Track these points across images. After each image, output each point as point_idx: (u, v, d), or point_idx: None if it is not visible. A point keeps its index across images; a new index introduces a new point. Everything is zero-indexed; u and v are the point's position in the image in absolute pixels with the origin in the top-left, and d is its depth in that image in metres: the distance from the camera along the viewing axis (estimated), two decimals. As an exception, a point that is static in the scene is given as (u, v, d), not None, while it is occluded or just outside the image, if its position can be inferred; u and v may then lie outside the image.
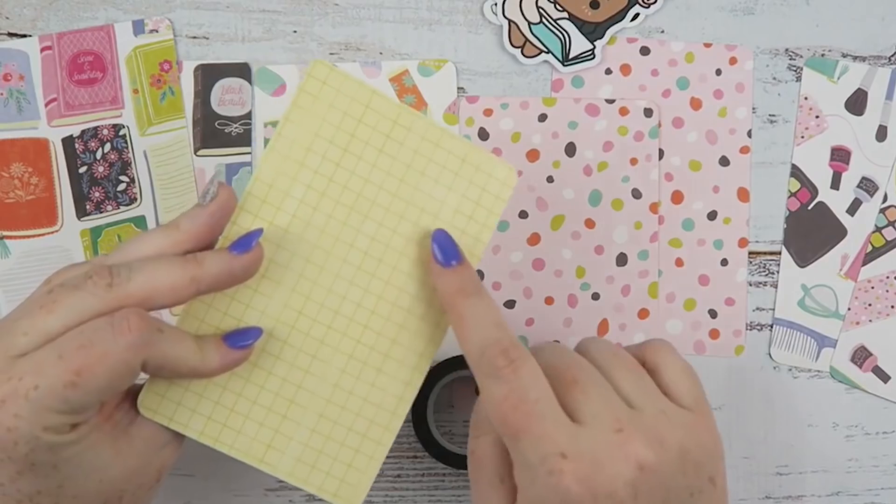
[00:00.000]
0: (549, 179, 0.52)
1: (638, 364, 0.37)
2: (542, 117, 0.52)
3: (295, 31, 0.52)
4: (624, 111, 0.52)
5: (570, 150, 0.52)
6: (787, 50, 0.53)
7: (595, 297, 0.52)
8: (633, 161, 0.52)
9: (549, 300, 0.52)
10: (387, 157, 0.39)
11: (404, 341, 0.39)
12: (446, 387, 0.51)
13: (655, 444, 0.33)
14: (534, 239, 0.52)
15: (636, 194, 0.52)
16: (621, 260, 0.52)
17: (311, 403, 0.39)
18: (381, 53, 0.52)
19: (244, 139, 0.51)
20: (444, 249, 0.37)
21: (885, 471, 0.53)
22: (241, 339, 0.37)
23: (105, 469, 0.35)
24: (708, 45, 0.53)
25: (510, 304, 0.52)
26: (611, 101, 0.53)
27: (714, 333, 0.53)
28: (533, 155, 0.52)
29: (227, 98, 0.51)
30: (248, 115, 0.51)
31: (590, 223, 0.52)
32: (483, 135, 0.52)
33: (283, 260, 0.38)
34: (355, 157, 0.39)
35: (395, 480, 0.52)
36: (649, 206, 0.52)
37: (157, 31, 0.51)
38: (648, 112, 0.52)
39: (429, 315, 0.39)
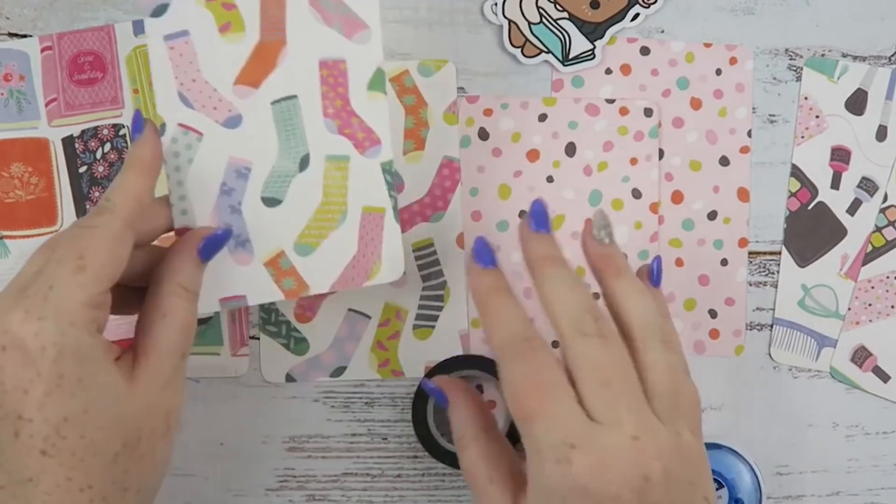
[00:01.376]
0: (549, 179, 0.52)
1: (680, 357, 0.36)
2: (542, 117, 0.52)
3: (295, 31, 0.52)
4: (624, 111, 0.52)
5: (570, 150, 0.52)
6: (787, 50, 0.53)
7: (595, 296, 0.52)
8: (633, 161, 0.52)
9: (549, 300, 0.52)
10: None
11: None
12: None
13: (669, 460, 0.33)
14: (534, 239, 0.52)
15: (636, 194, 0.52)
16: (621, 260, 0.52)
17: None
18: (381, 53, 0.52)
19: (244, 139, 0.51)
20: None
21: (885, 471, 0.53)
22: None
23: (121, 401, 0.36)
24: (708, 45, 0.53)
25: (510, 304, 0.52)
26: (611, 101, 0.53)
27: (714, 333, 0.53)
28: (533, 155, 0.52)
29: (227, 98, 0.51)
30: (248, 115, 0.51)
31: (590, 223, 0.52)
32: (483, 135, 0.52)
33: None
34: None
35: (395, 480, 0.52)
36: (649, 206, 0.52)
37: (157, 31, 0.51)
38: (648, 112, 0.52)
39: None
